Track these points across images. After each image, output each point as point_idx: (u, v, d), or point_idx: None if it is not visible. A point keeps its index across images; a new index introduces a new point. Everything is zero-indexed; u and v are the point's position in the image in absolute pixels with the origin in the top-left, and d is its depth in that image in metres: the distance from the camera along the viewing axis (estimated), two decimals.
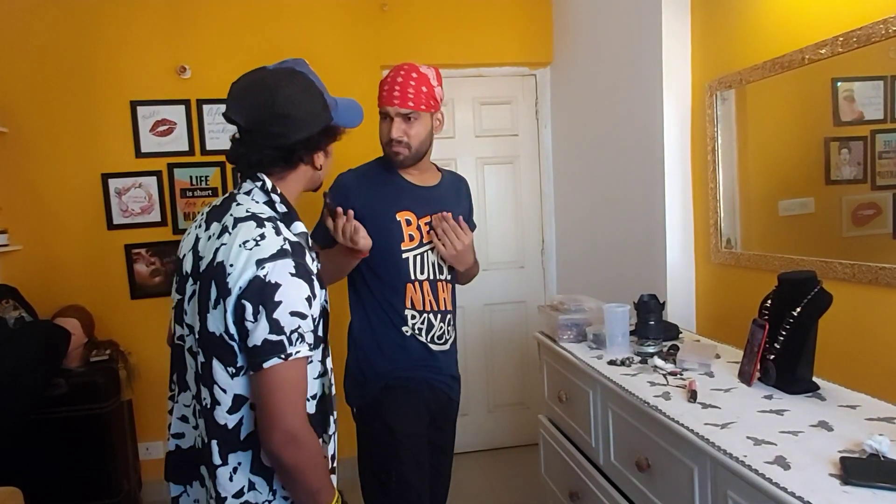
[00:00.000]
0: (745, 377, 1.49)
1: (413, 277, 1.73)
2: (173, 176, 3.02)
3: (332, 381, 1.28)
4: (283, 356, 1.04)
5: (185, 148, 3.02)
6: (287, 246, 1.09)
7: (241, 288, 1.04)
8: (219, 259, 1.09)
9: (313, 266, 1.14)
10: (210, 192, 3.06)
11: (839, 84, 1.66)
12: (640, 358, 1.74)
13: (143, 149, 2.98)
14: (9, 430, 2.37)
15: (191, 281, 1.17)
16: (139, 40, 2.95)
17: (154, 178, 3.00)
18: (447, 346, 1.82)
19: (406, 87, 1.65)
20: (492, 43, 3.27)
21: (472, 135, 3.38)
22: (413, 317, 1.74)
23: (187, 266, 1.19)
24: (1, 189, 2.84)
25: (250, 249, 1.06)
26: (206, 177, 3.06)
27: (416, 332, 1.74)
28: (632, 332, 1.88)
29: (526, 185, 3.47)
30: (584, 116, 3.02)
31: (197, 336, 1.13)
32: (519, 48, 3.32)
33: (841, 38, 1.58)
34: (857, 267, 1.58)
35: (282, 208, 1.18)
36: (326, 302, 1.24)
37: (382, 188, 1.74)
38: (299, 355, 1.06)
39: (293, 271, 1.07)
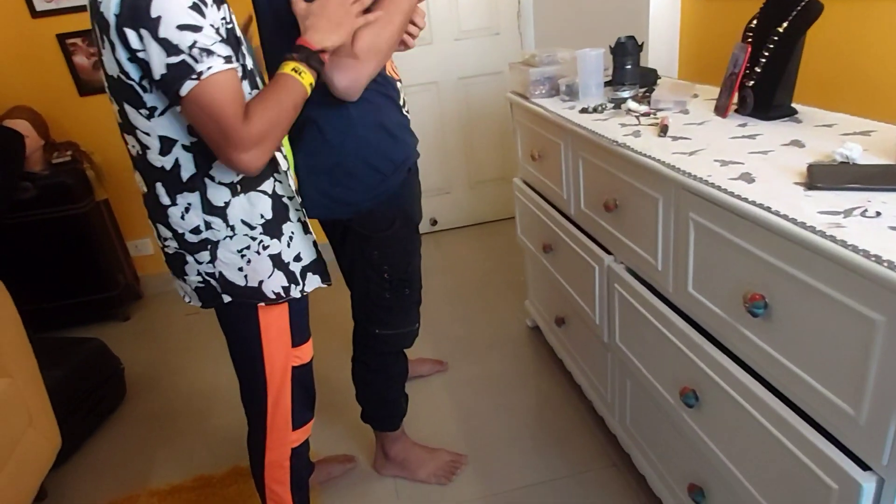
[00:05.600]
0: (720, 110, 1.41)
1: None
2: None
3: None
4: (193, 77, 0.94)
5: None
6: None
7: (115, 15, 0.92)
8: None
9: None
10: None
11: None
12: (613, 104, 1.65)
13: None
14: None
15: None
16: None
17: None
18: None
19: None
20: None
21: None
22: (398, 85, 1.45)
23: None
24: None
25: None
26: None
27: (403, 102, 1.46)
28: (608, 83, 1.77)
29: None
30: None
31: (106, 84, 1.04)
32: None
33: None
34: None
35: None
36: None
37: None
38: (212, 71, 0.94)
39: None
